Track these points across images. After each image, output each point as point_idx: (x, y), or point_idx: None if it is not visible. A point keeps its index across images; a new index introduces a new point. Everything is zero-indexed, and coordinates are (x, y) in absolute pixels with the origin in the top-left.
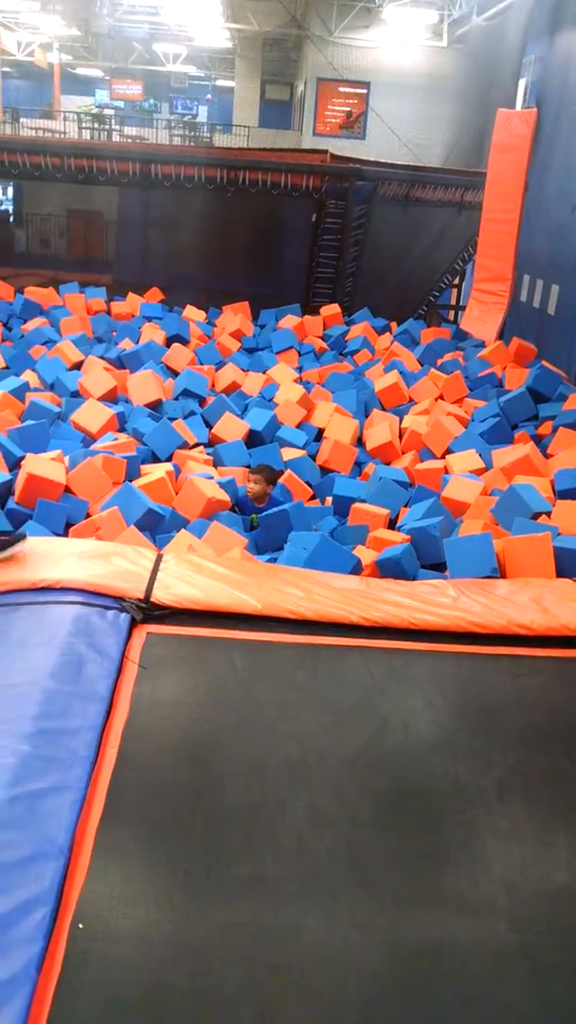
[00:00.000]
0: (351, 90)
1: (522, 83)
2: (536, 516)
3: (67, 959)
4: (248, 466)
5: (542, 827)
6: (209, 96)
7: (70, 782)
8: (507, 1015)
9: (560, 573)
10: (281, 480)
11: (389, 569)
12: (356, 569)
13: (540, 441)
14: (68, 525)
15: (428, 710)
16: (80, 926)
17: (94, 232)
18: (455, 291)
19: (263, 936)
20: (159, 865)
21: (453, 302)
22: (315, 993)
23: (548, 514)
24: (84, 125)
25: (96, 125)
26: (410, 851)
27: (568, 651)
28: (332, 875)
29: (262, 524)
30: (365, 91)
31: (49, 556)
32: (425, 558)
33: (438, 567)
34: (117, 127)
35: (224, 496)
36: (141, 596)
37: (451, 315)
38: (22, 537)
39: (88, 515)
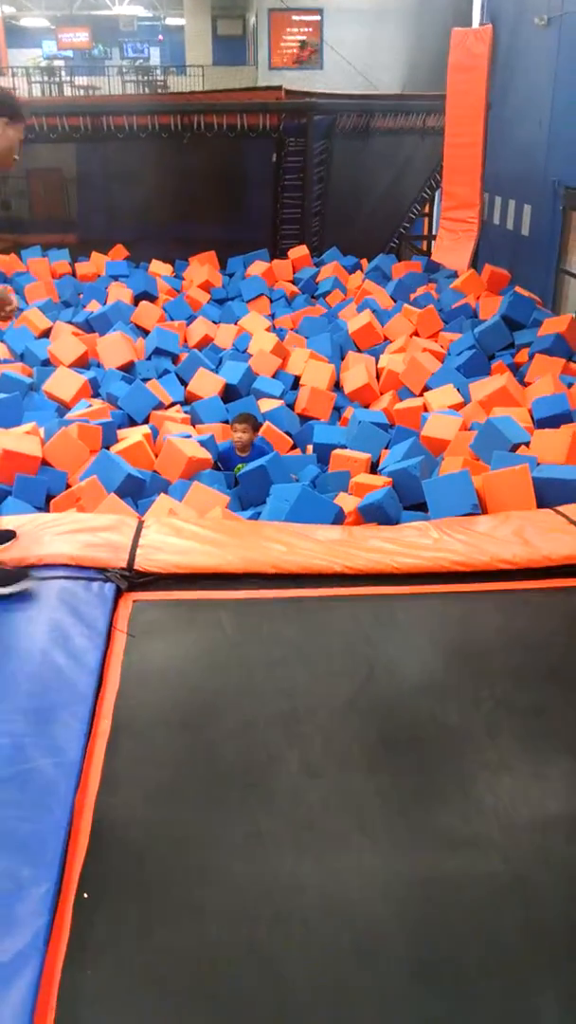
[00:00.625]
0: (304, 18)
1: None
2: (515, 447)
3: (73, 929)
4: (226, 421)
5: (531, 760)
6: (160, 37)
7: (65, 756)
8: (502, 945)
9: (541, 503)
10: (260, 433)
11: (372, 514)
12: (338, 518)
13: (518, 369)
14: (49, 498)
15: (415, 653)
16: (85, 896)
17: (55, 191)
18: (427, 220)
19: (263, 891)
20: (158, 831)
21: (425, 232)
22: (317, 940)
23: (527, 444)
24: (34, 80)
25: (46, 78)
26: (403, 793)
27: (550, 581)
28: (327, 824)
29: (242, 481)
30: (318, 18)
31: (30, 534)
32: (408, 499)
33: (422, 507)
34: (68, 78)
35: (205, 454)
36: (124, 565)
37: (424, 246)
38: (11, 536)
39: (68, 485)
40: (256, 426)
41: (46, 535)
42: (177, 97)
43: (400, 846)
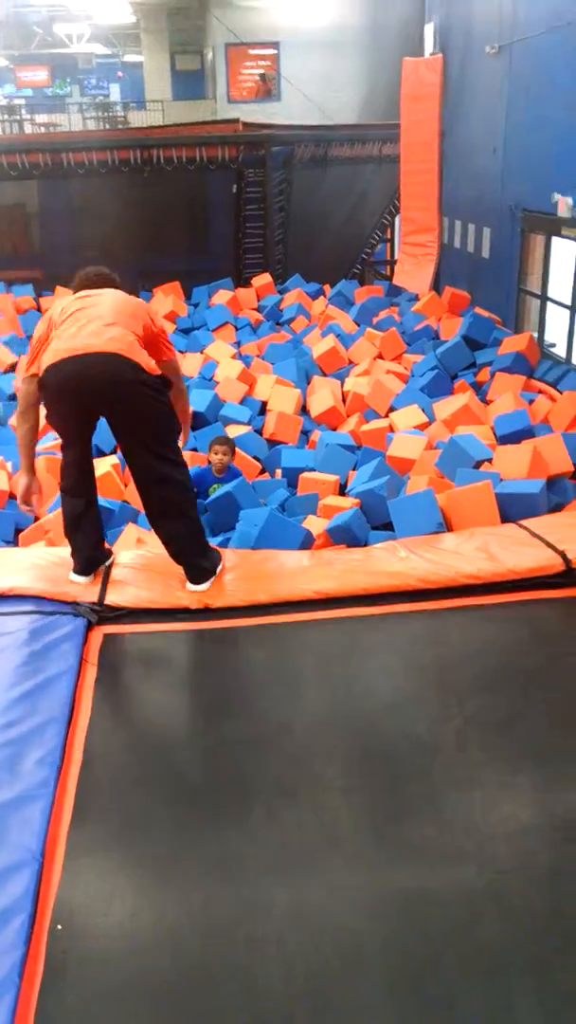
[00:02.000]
0: (261, 51)
1: (428, 29)
2: (479, 464)
3: (48, 960)
4: (195, 449)
5: (501, 770)
6: (120, 74)
7: (38, 789)
8: (480, 953)
9: (505, 518)
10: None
11: (340, 535)
12: (307, 541)
13: (480, 388)
14: (18, 531)
15: (384, 673)
16: (59, 927)
17: (18, 227)
18: (389, 246)
19: (238, 912)
20: (131, 858)
21: (388, 257)
22: (293, 959)
23: (490, 461)
24: None
25: (6, 117)
26: (376, 811)
27: (515, 595)
28: (301, 843)
29: (210, 508)
30: (275, 51)
31: (2, 565)
32: (376, 519)
33: (390, 526)
34: (28, 116)
35: None
36: (95, 599)
37: (388, 271)
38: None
39: (36, 518)
40: (233, 448)
41: (16, 567)
42: (136, 132)
43: (374, 862)
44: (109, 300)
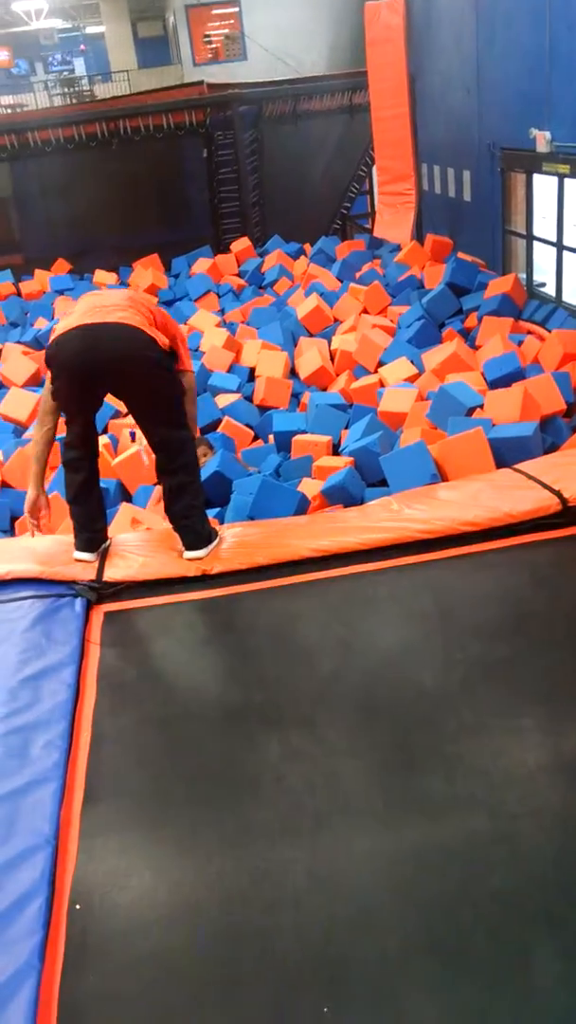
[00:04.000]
0: (223, 11)
1: None
2: (471, 411)
3: (69, 941)
4: None
5: (507, 715)
6: (83, 47)
7: (48, 772)
8: (495, 903)
9: (499, 463)
10: (219, 428)
11: (335, 496)
12: (302, 504)
13: (468, 334)
14: (13, 518)
15: (387, 627)
16: (77, 907)
17: None
18: (368, 198)
19: (254, 878)
20: (145, 833)
21: (369, 210)
22: (310, 921)
23: (481, 407)
24: None
25: None
26: (385, 766)
27: (514, 539)
28: (313, 806)
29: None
30: (236, 9)
31: None
32: (371, 476)
33: (386, 483)
34: None
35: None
36: (93, 577)
37: (370, 223)
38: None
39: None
40: (211, 445)
41: (12, 555)
42: (99, 104)
43: (386, 818)
44: (123, 292)
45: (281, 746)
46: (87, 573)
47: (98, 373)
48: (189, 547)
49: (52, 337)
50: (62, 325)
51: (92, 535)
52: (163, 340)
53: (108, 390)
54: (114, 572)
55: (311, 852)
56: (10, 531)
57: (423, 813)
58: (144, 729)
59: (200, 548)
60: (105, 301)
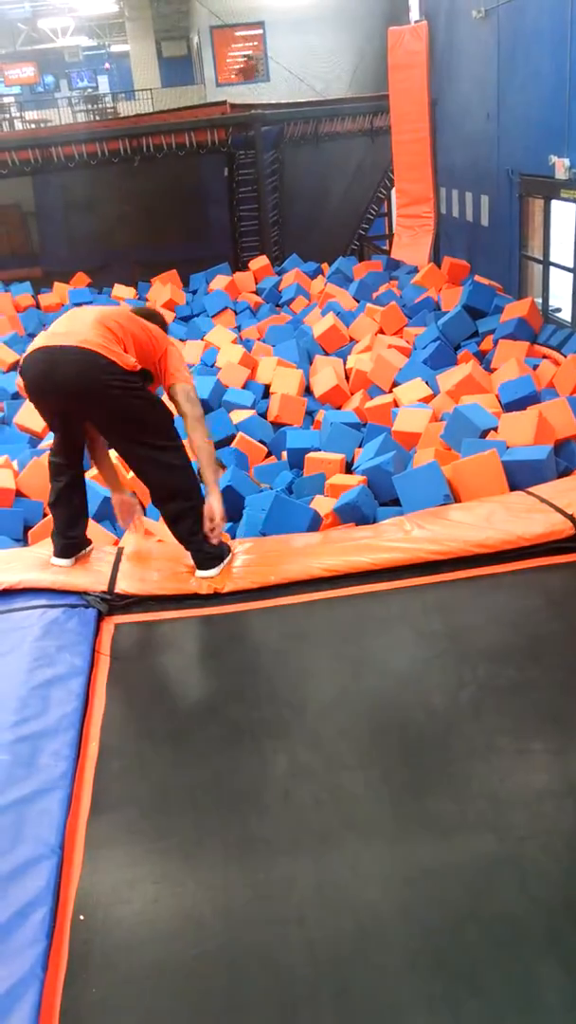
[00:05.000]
0: (247, 32)
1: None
2: (485, 433)
3: (72, 951)
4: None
5: (516, 737)
6: (107, 65)
7: (55, 782)
8: (501, 923)
9: (512, 485)
10: (233, 444)
11: (348, 514)
12: (314, 522)
13: (484, 357)
14: (27, 528)
15: (397, 646)
16: (81, 918)
17: (15, 226)
18: (386, 220)
19: (259, 893)
20: (151, 845)
21: (386, 231)
22: (315, 937)
23: (496, 429)
24: None
25: None
26: (393, 785)
27: (526, 562)
28: (319, 823)
29: None
30: (261, 31)
31: (10, 563)
32: (384, 495)
33: (398, 502)
34: (18, 114)
35: None
36: (105, 589)
37: (388, 245)
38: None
39: (44, 515)
40: (222, 463)
41: (25, 565)
42: (123, 121)
43: (393, 837)
44: (96, 310)
45: (288, 762)
46: (99, 584)
47: (58, 396)
48: (199, 566)
49: (23, 354)
50: (31, 344)
51: (67, 541)
52: (127, 361)
53: (75, 413)
54: (126, 585)
55: (316, 868)
56: (23, 541)
57: (430, 832)
58: (151, 741)
59: (210, 568)
60: (73, 323)
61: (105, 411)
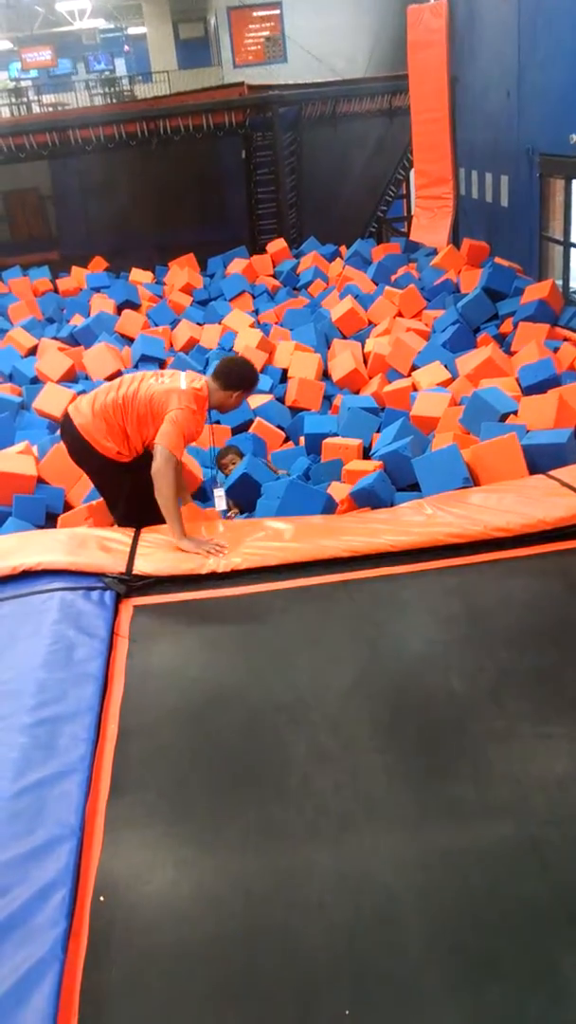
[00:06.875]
0: (264, 13)
1: None
2: (504, 417)
3: (92, 932)
4: (218, 422)
5: (537, 722)
6: (127, 48)
7: (74, 764)
8: (522, 909)
9: (533, 469)
10: (251, 429)
11: (364, 499)
12: (328, 506)
13: (504, 339)
14: (50, 515)
15: (416, 629)
16: (101, 899)
17: (33, 210)
18: (405, 201)
19: (278, 877)
20: (170, 828)
21: (405, 213)
22: (334, 921)
23: (515, 413)
24: (2, 102)
25: (15, 100)
26: (412, 769)
27: (547, 546)
28: (339, 807)
29: (228, 493)
30: (278, 12)
31: (29, 545)
32: (402, 481)
33: (416, 487)
34: (35, 98)
35: (197, 473)
36: (123, 570)
37: (406, 227)
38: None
39: (66, 500)
40: (240, 452)
41: (42, 547)
42: (140, 104)
43: (413, 821)
44: (113, 392)
45: (307, 745)
46: (117, 566)
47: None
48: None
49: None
50: (75, 400)
51: None
52: (109, 448)
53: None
54: (144, 565)
55: (336, 853)
56: (45, 526)
57: (450, 817)
58: (170, 724)
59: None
60: (94, 401)
61: (89, 475)
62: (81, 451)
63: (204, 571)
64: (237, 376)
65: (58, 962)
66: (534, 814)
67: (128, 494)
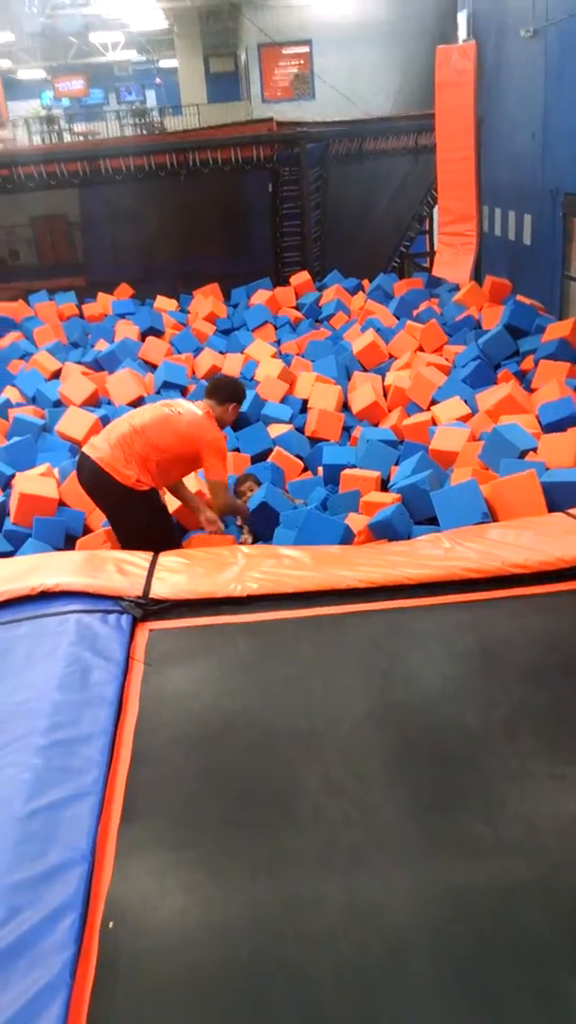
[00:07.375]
0: (294, 51)
1: (461, 16)
2: (524, 454)
3: (100, 958)
4: (237, 450)
5: (551, 761)
6: (158, 80)
7: (87, 788)
8: (530, 949)
9: (552, 507)
10: (270, 458)
11: (382, 531)
12: (346, 537)
13: (524, 377)
14: (70, 538)
15: (430, 663)
16: (110, 925)
17: (61, 236)
18: (428, 237)
19: (288, 908)
20: (181, 855)
21: (428, 249)
22: (343, 954)
23: (535, 450)
24: (34, 130)
25: (46, 127)
26: (423, 804)
27: (565, 584)
28: (350, 839)
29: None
30: (308, 49)
31: (48, 566)
32: (419, 514)
33: (433, 521)
34: (67, 126)
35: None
36: (140, 593)
37: (428, 262)
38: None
39: (86, 524)
40: (258, 480)
41: (59, 569)
42: (170, 136)
43: (423, 856)
44: (130, 424)
45: (320, 776)
46: (134, 589)
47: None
48: None
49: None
50: (87, 443)
51: None
52: (128, 476)
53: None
54: (161, 589)
55: (346, 885)
56: (64, 548)
57: (461, 855)
58: (183, 749)
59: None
60: (108, 435)
61: (106, 511)
62: (100, 484)
63: (221, 595)
64: (230, 389)
65: (66, 987)
66: (546, 855)
67: (144, 527)
